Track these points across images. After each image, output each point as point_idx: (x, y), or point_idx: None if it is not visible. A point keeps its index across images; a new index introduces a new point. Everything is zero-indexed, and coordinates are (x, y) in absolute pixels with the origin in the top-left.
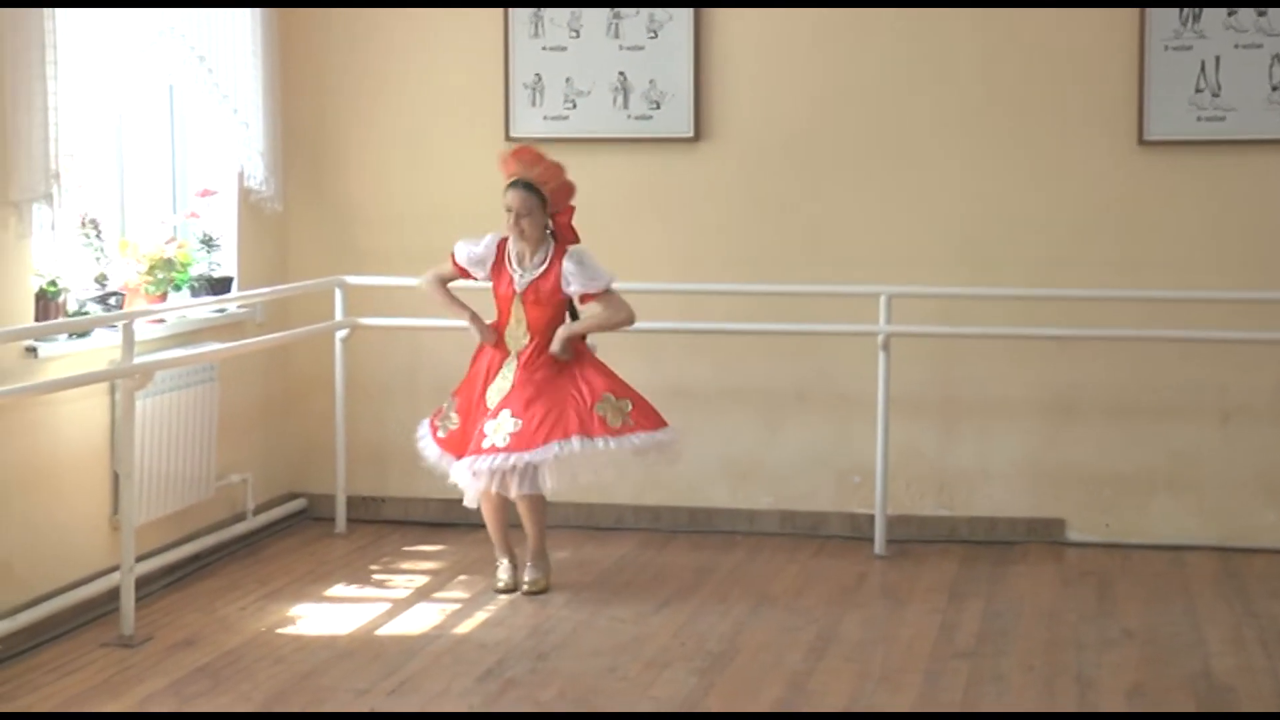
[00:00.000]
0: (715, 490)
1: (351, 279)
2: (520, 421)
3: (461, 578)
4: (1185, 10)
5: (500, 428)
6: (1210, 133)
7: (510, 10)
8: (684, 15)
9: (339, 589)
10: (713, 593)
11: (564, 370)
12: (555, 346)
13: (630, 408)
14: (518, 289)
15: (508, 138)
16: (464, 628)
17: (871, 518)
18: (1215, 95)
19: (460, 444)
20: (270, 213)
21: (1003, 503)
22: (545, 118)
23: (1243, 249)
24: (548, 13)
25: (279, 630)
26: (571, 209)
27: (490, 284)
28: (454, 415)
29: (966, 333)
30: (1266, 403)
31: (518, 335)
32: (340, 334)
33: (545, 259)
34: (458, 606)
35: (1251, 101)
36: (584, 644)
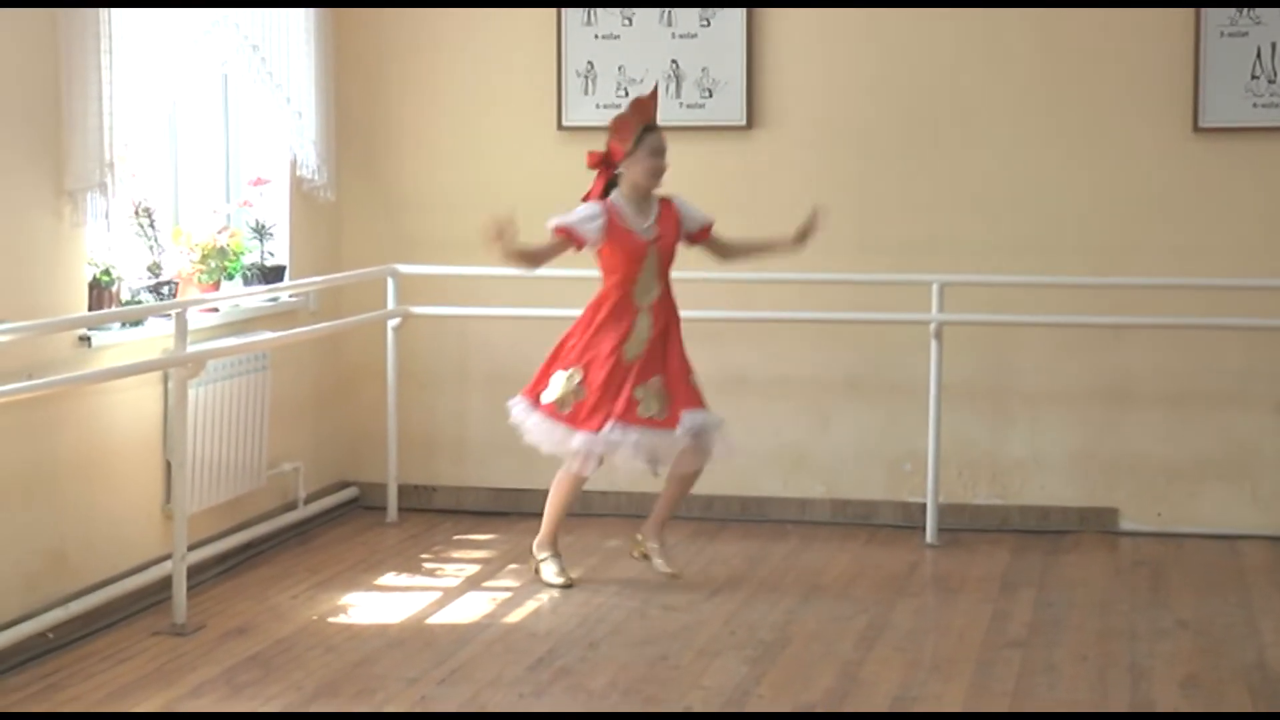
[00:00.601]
0: (767, 479)
1: (403, 268)
2: (670, 395)
3: (512, 566)
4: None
5: (653, 394)
6: (1266, 119)
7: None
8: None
9: (390, 578)
10: (764, 582)
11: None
12: (802, 240)
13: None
14: (648, 238)
15: (560, 126)
16: (514, 616)
17: (923, 506)
18: (1271, 82)
19: (591, 417)
20: (323, 201)
21: (1055, 492)
22: (598, 106)
23: None
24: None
25: (330, 619)
26: None
27: (593, 250)
28: (582, 389)
29: (1019, 321)
30: None
31: (649, 287)
32: (392, 323)
33: (656, 205)
34: (508, 595)
35: None
36: (635, 633)
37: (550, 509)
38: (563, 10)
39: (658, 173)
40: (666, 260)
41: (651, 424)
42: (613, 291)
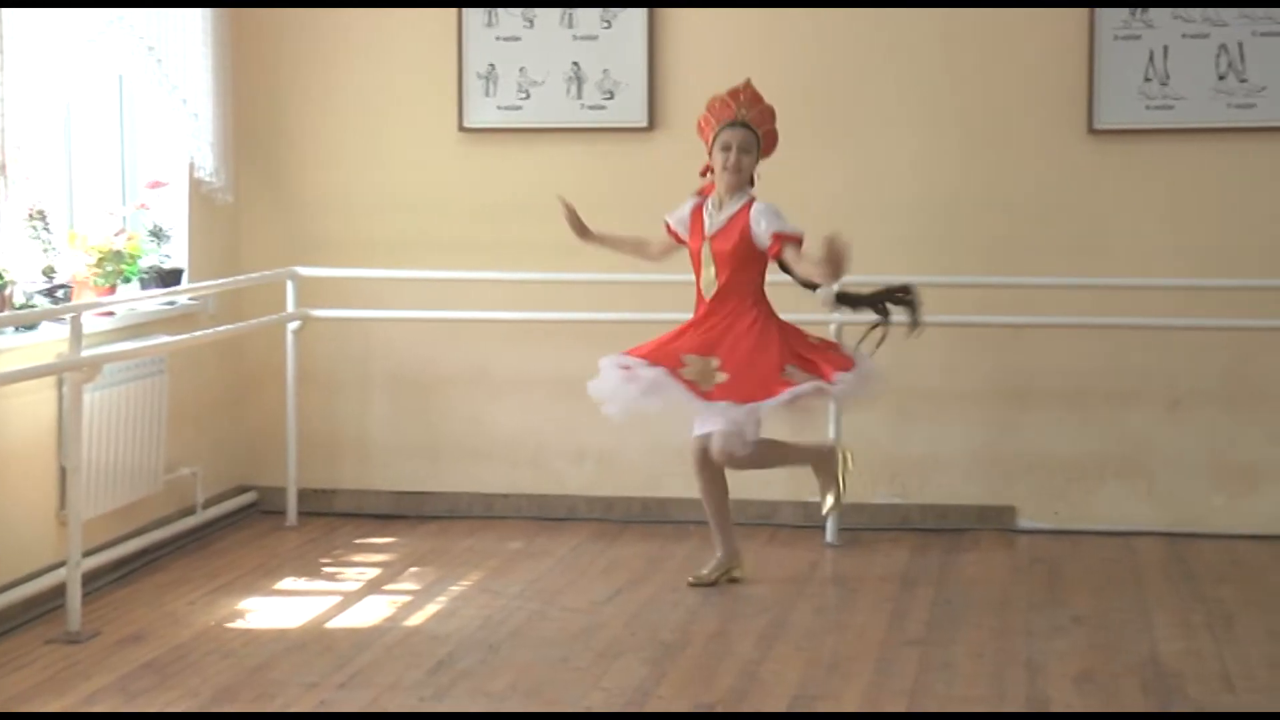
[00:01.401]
0: (668, 480)
1: (304, 270)
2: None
3: (413, 569)
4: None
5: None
6: (1159, 121)
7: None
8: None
9: (289, 582)
10: (665, 582)
11: (756, 325)
12: (828, 281)
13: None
14: (708, 233)
15: (461, 128)
16: (415, 620)
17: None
18: (1164, 84)
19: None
20: (221, 204)
21: (954, 490)
22: (499, 107)
23: (1190, 236)
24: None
25: (228, 625)
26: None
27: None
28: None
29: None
30: (1214, 389)
31: (710, 285)
32: (292, 326)
33: (739, 205)
34: (409, 599)
35: (1198, 90)
36: (536, 635)
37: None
38: (463, 11)
39: (728, 167)
40: (727, 260)
41: (691, 387)
42: (697, 287)
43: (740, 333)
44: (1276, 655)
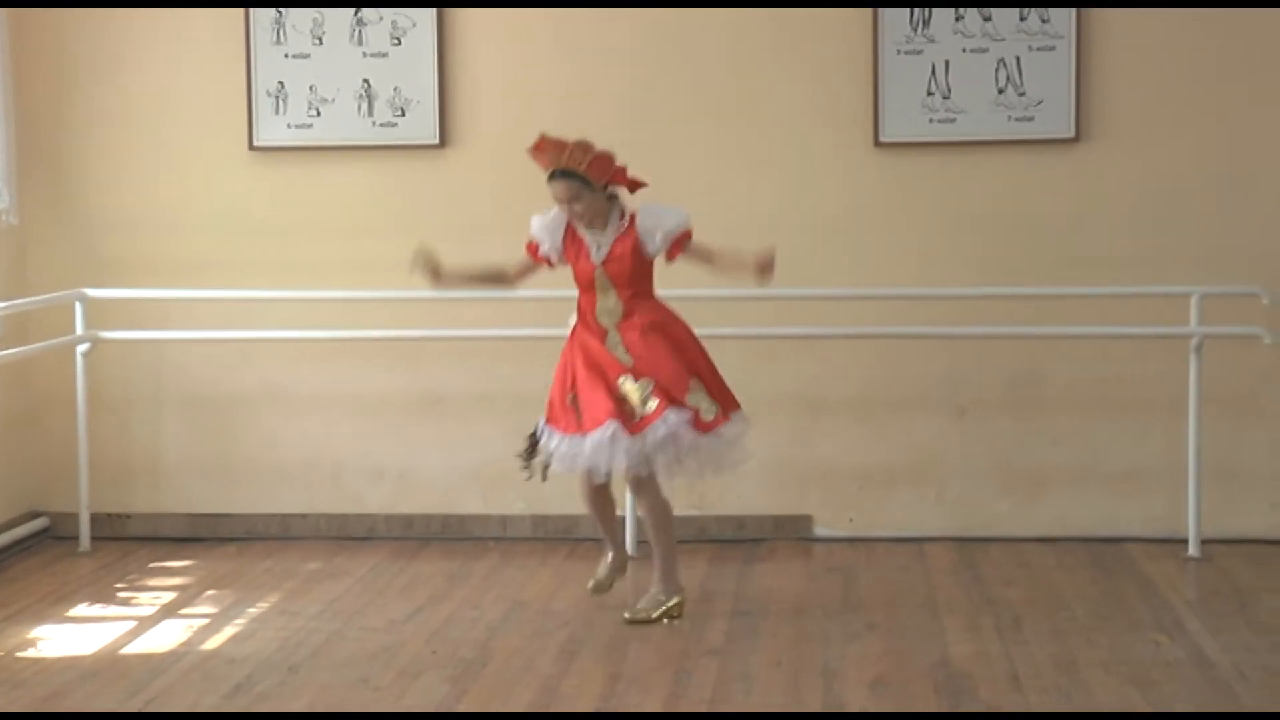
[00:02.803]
0: (467, 497)
1: (93, 292)
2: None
3: (210, 592)
4: (915, 14)
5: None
6: (942, 134)
7: (252, 15)
8: (427, 22)
9: (83, 609)
10: (465, 599)
11: (672, 330)
12: (760, 276)
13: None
14: (597, 261)
15: (251, 146)
16: (212, 643)
17: (623, 520)
18: (946, 98)
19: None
20: (5, 225)
21: (750, 501)
22: (289, 125)
23: (975, 246)
24: (290, 19)
25: (19, 654)
26: (623, 169)
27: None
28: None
29: (710, 334)
30: (1000, 396)
31: (609, 308)
32: (81, 348)
33: (620, 223)
34: (206, 621)
35: (979, 104)
36: (335, 655)
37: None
38: (251, 28)
39: (572, 217)
40: (624, 284)
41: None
42: (581, 306)
43: (656, 346)
44: (1062, 654)
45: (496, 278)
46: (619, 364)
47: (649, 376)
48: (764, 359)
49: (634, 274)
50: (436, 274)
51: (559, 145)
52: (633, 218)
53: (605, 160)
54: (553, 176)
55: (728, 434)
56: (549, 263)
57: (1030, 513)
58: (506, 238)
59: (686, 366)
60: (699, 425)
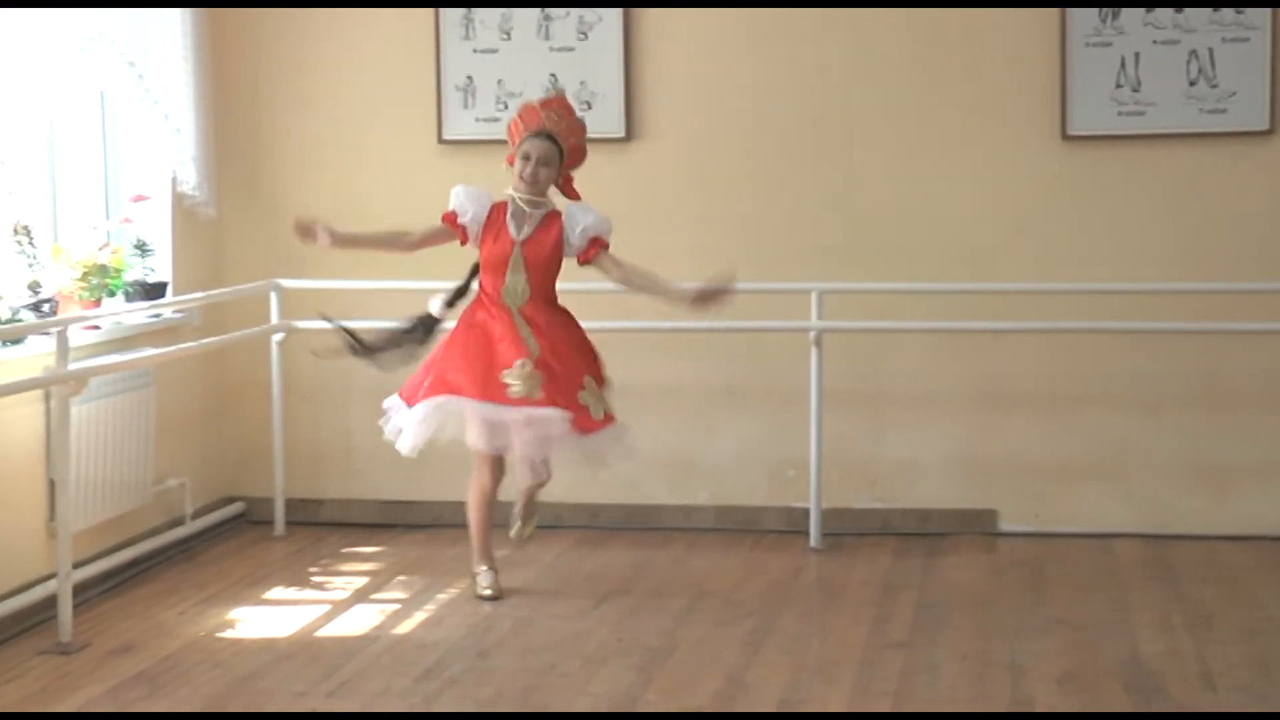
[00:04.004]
0: (652, 487)
1: (286, 282)
2: (543, 376)
3: (400, 578)
4: (1104, 8)
5: (521, 378)
6: (1131, 127)
7: (441, 12)
8: (613, 16)
9: (277, 592)
10: (650, 589)
11: (573, 329)
12: (698, 300)
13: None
14: (517, 238)
15: (440, 140)
16: (403, 628)
17: (806, 511)
18: (1135, 90)
19: (438, 385)
20: (204, 217)
21: (935, 495)
22: (477, 119)
23: (1166, 240)
24: (478, 15)
25: (217, 634)
26: (571, 175)
27: (476, 247)
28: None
29: (897, 327)
30: (1192, 392)
31: (517, 291)
32: (275, 338)
33: (545, 214)
34: (396, 607)
35: (1170, 96)
36: (522, 642)
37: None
38: (440, 24)
39: (524, 176)
40: (538, 269)
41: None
42: (485, 287)
43: (561, 353)
44: (1256, 654)
45: (394, 241)
46: (524, 346)
47: (543, 371)
48: (949, 352)
49: (548, 261)
50: (319, 235)
51: (566, 110)
52: (558, 213)
53: (580, 155)
54: (540, 135)
55: (611, 434)
56: (463, 236)
57: (1221, 510)
58: (694, 229)
59: (585, 366)
60: (584, 424)
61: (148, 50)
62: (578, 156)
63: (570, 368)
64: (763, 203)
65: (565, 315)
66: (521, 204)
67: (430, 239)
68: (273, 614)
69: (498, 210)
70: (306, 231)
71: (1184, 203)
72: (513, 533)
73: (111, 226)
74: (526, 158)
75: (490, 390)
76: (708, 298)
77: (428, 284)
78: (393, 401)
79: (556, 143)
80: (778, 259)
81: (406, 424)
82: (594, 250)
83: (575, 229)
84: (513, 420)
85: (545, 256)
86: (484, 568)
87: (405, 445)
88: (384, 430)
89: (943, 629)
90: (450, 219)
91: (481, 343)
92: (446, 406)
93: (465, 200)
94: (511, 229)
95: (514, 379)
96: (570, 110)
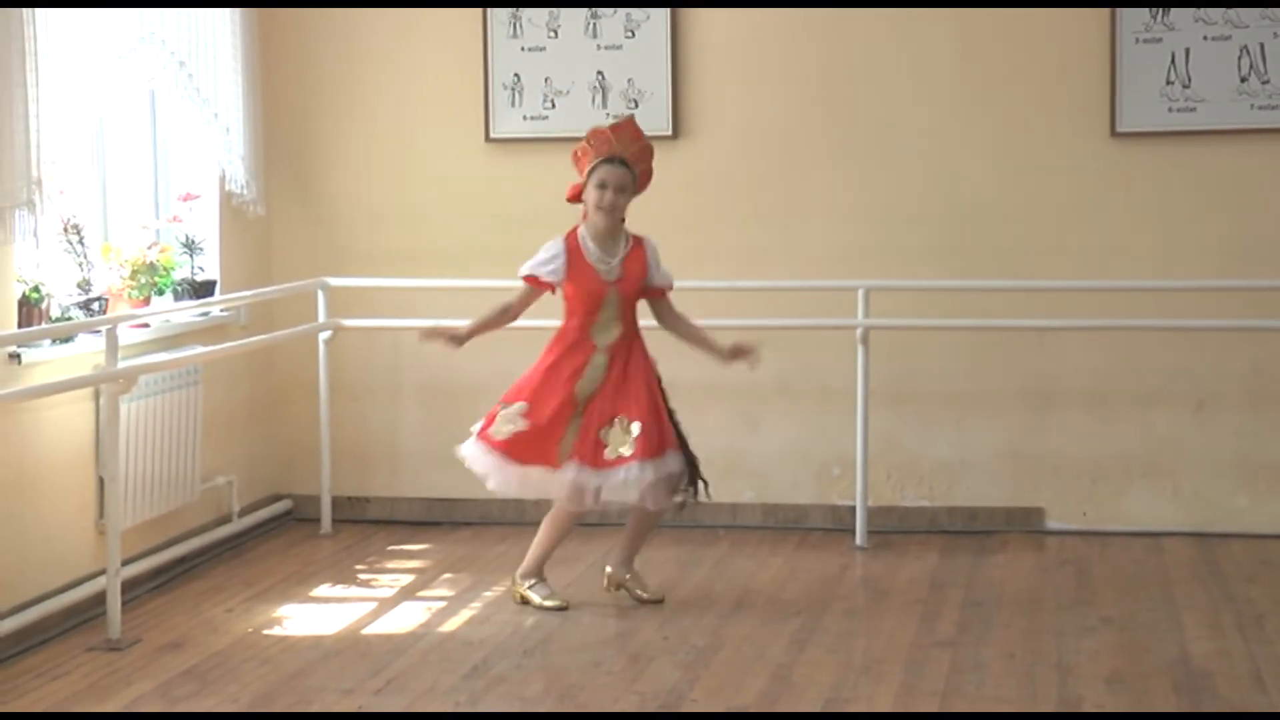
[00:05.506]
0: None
1: (334, 281)
2: (641, 425)
3: (446, 576)
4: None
5: (618, 435)
6: (1181, 124)
7: (489, 11)
8: (660, 15)
9: (325, 589)
10: (696, 587)
11: (644, 365)
12: (733, 358)
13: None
14: (609, 279)
15: (488, 138)
16: (449, 625)
17: (852, 510)
18: (1185, 87)
19: (531, 449)
20: (252, 216)
21: (982, 493)
22: (525, 118)
23: (1214, 237)
24: (525, 13)
25: (265, 631)
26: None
27: (561, 291)
28: (521, 420)
29: (944, 325)
30: (1240, 389)
31: (609, 329)
32: (323, 336)
33: (626, 244)
34: (443, 604)
35: (1221, 93)
36: (569, 640)
37: (540, 542)
38: (488, 23)
39: (603, 206)
40: (630, 303)
41: (617, 464)
42: (571, 330)
43: (634, 379)
44: None
45: (500, 319)
46: (578, 391)
47: (622, 414)
48: (996, 350)
49: (638, 295)
50: (454, 340)
51: (637, 134)
52: (640, 240)
53: (648, 179)
54: (612, 160)
55: (620, 475)
56: (551, 288)
57: (1271, 508)
58: (741, 226)
59: (634, 408)
60: (595, 461)
61: (197, 50)
62: (647, 180)
63: (651, 401)
64: (809, 200)
65: (641, 348)
66: (604, 237)
67: (526, 302)
68: (320, 611)
69: (573, 250)
70: (432, 339)
71: (1234, 199)
72: (646, 594)
73: (160, 225)
74: (603, 186)
75: (584, 451)
76: (738, 354)
77: (471, 283)
78: (478, 427)
79: (629, 167)
80: (824, 256)
81: (494, 476)
82: (667, 293)
83: (658, 266)
84: (606, 485)
85: (636, 291)
86: (539, 580)
87: (492, 486)
88: (465, 456)
89: (990, 628)
90: (533, 281)
91: (570, 394)
92: (539, 483)
93: (541, 259)
94: (601, 269)
95: (611, 438)
96: (640, 133)
